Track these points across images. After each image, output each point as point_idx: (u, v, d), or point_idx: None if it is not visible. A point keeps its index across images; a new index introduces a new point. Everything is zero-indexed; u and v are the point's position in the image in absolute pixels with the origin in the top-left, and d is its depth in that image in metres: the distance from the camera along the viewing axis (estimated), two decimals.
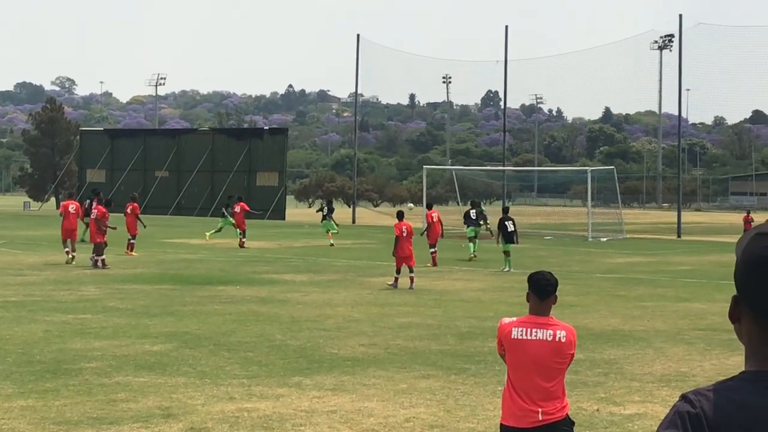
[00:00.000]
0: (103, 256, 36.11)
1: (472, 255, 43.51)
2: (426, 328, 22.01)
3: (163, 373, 16.35)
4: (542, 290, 9.01)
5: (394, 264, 31.36)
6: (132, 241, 42.06)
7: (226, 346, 19.11)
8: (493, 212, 50.77)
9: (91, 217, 37.93)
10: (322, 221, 53.50)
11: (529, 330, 8.91)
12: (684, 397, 2.71)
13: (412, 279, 30.84)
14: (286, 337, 20.36)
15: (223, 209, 53.27)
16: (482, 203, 57.55)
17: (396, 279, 30.99)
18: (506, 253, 38.06)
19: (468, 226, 46.08)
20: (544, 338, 8.84)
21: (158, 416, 13.46)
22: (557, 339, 8.85)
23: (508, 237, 38.34)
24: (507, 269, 37.25)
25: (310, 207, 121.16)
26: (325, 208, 54.48)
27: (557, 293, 9.16)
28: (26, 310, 23.96)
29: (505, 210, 41.08)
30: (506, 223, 38.66)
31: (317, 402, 14.45)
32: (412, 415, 13.70)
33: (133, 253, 41.42)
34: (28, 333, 20.36)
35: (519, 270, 36.93)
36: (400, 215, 32.74)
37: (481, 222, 46.92)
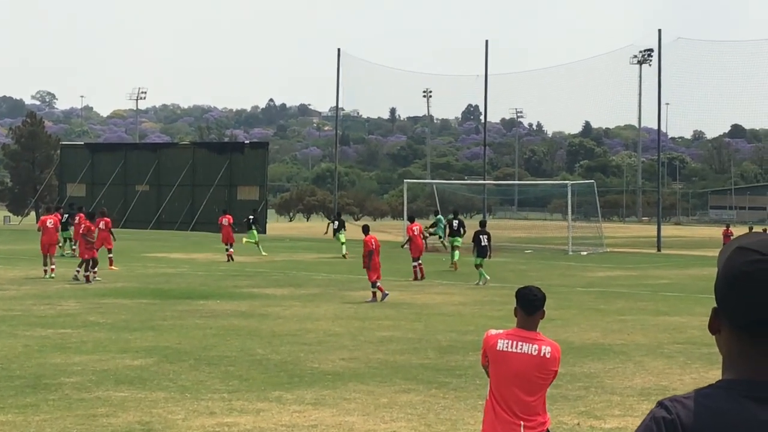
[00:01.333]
0: (96, 269, 36.09)
1: (452, 264, 44.35)
2: (407, 342, 22.02)
3: (144, 388, 16.32)
4: (529, 305, 9.04)
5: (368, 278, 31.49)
6: (110, 255, 42.08)
7: (207, 360, 19.09)
8: (469, 226, 50.77)
9: (81, 232, 37.84)
10: (334, 236, 55.35)
11: (514, 343, 8.93)
12: (660, 404, 2.74)
13: (381, 289, 31.01)
14: (267, 351, 20.34)
15: (249, 222, 55.18)
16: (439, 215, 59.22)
17: (374, 293, 31.09)
18: (477, 266, 38.15)
19: (450, 237, 47.28)
20: (530, 352, 8.87)
21: (138, 431, 13.44)
22: (542, 354, 8.87)
23: (481, 251, 38.34)
24: (482, 282, 37.36)
25: (291, 221, 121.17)
26: (336, 222, 57.37)
27: (545, 308, 9.20)
28: (6, 325, 23.88)
29: (482, 224, 41.04)
30: (481, 236, 38.66)
31: (298, 416, 14.44)
32: (392, 430, 13.71)
33: (114, 267, 41.34)
34: (7, 348, 20.30)
35: (500, 284, 36.98)
36: (366, 229, 32.98)
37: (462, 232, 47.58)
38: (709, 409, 2.70)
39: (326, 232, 57.63)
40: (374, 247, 31.63)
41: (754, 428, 2.66)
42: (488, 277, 37.43)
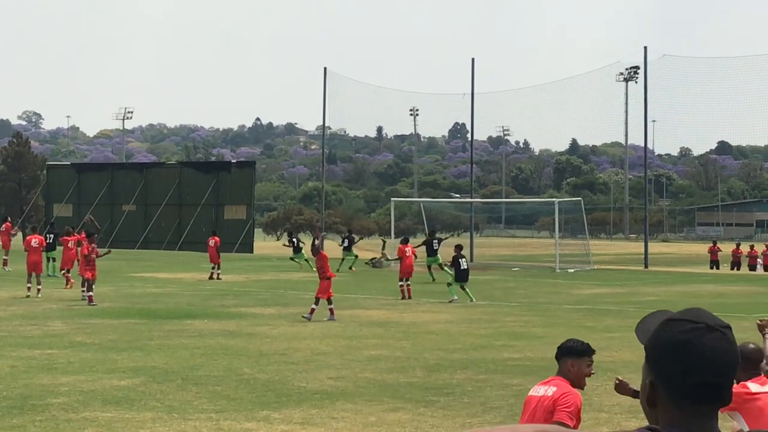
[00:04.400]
0: (92, 293, 35.34)
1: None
2: (394, 360, 21.99)
3: (131, 408, 16.27)
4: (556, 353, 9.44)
5: (322, 298, 31.12)
6: (69, 274, 42.26)
7: (194, 380, 19.04)
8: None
9: (83, 252, 37.50)
10: (344, 252, 58.22)
11: (535, 387, 9.12)
12: None
13: (313, 310, 30.85)
14: (254, 370, 20.30)
15: (294, 243, 58.60)
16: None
17: (314, 310, 30.81)
18: (449, 284, 38.07)
19: (428, 256, 48.75)
20: (538, 393, 8.97)
21: None
22: (545, 393, 8.91)
23: (461, 275, 38.00)
24: (469, 300, 37.25)
25: (278, 240, 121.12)
26: (346, 240, 59.43)
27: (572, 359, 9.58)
28: None
29: (459, 247, 40.60)
30: (460, 260, 38.39)
31: None
32: None
33: (72, 285, 41.33)
34: None
35: (487, 302, 37.05)
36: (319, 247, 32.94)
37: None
38: None
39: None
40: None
41: None
42: (456, 297, 37.39)
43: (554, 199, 79.80)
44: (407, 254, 41.50)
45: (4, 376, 19.39)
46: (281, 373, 20.04)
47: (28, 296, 37.39)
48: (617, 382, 8.97)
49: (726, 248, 66.36)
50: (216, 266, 49.18)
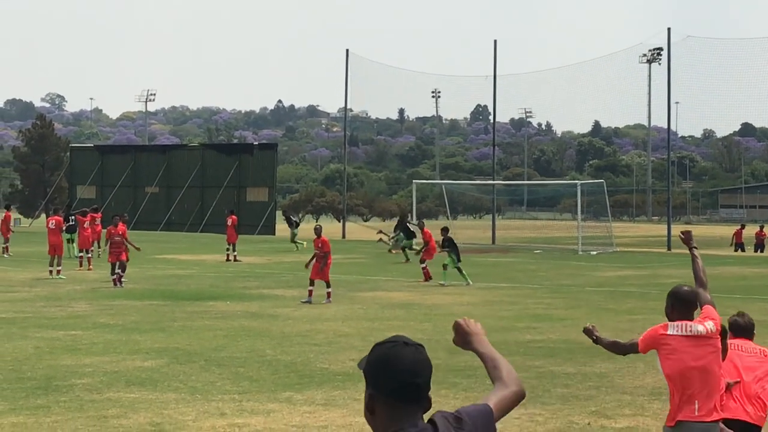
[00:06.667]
0: (115, 276, 35.22)
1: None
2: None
3: (154, 389, 16.34)
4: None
5: (312, 281, 30.91)
6: (89, 255, 42.43)
7: (217, 361, 19.11)
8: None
9: (107, 237, 37.36)
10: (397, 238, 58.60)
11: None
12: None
13: (310, 293, 30.76)
14: (277, 352, 20.35)
15: (293, 221, 60.93)
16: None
17: (330, 293, 30.83)
18: (460, 269, 37.87)
19: (406, 239, 51.12)
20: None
21: None
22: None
23: (459, 253, 38.32)
24: (467, 283, 37.18)
25: (299, 223, 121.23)
26: (397, 220, 60.18)
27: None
28: (17, 327, 23.91)
29: (447, 229, 40.60)
30: (453, 240, 38.85)
31: (308, 417, 14.44)
32: None
33: (92, 268, 41.46)
34: (18, 349, 20.33)
35: (509, 284, 37.06)
36: (320, 230, 32.83)
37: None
38: None
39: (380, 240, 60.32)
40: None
41: None
42: (445, 282, 37.30)
43: (576, 182, 79.54)
44: (432, 237, 41.45)
45: (28, 357, 19.50)
46: (304, 354, 20.09)
47: (62, 278, 37.57)
48: (585, 326, 9.34)
49: (749, 231, 65.96)
50: (232, 246, 49.18)
